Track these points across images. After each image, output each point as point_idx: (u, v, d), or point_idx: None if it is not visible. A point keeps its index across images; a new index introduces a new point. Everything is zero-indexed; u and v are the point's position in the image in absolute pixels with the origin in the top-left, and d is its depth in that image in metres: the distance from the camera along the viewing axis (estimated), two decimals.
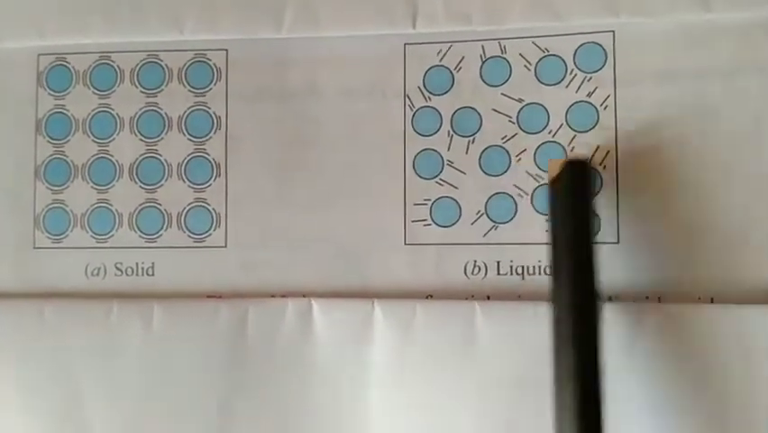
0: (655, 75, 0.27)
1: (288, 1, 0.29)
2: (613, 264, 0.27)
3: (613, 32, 0.28)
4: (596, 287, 0.24)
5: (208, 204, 0.30)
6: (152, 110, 0.30)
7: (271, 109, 0.30)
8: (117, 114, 0.30)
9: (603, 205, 0.27)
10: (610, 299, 0.27)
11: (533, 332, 0.27)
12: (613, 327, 0.26)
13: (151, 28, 0.30)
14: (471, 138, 0.29)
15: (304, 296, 0.28)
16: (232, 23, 0.30)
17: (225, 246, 0.30)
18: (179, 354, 0.29)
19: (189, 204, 0.30)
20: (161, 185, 0.30)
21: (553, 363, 0.24)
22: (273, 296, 0.29)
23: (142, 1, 0.30)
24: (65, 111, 0.30)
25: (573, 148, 0.28)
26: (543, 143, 0.28)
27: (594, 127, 0.28)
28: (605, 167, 0.28)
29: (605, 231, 0.27)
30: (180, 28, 0.30)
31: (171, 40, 0.30)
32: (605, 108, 0.28)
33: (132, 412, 0.29)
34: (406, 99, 0.29)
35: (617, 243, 0.27)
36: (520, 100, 0.28)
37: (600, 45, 0.28)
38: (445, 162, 0.29)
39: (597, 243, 0.26)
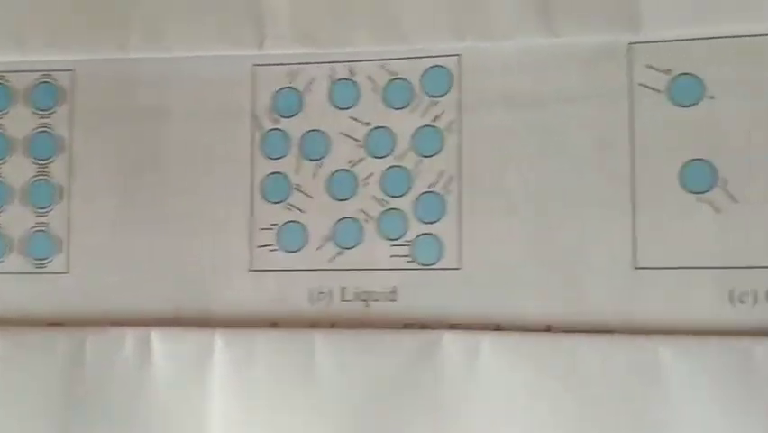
0: (500, 99, 0.27)
1: (134, 22, 0.29)
2: (454, 290, 0.27)
3: (459, 55, 0.28)
4: None
5: (51, 229, 0.29)
6: None
7: (118, 131, 0.29)
8: None
9: (446, 231, 0.27)
10: (450, 326, 0.27)
11: (375, 360, 0.26)
12: (453, 354, 0.26)
13: None
14: (320, 162, 0.28)
15: (146, 324, 0.28)
16: (77, 42, 0.29)
17: (68, 272, 0.29)
18: (17, 382, 0.28)
19: (32, 228, 0.29)
20: (3, 209, 0.29)
21: None
22: (114, 324, 0.28)
23: None
24: None
25: (419, 173, 0.27)
26: (389, 168, 0.28)
27: (439, 152, 0.27)
28: (449, 192, 0.27)
29: (447, 257, 0.27)
30: (23, 47, 0.29)
31: (13, 60, 0.29)
32: (450, 133, 0.27)
33: None
34: (255, 122, 0.29)
35: (459, 269, 0.27)
36: (368, 124, 0.28)
37: (447, 69, 0.28)
38: (293, 186, 0.28)
39: None
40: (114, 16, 0.29)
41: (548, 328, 0.26)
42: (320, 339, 0.27)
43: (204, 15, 0.29)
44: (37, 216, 0.29)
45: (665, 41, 0.26)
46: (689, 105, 0.26)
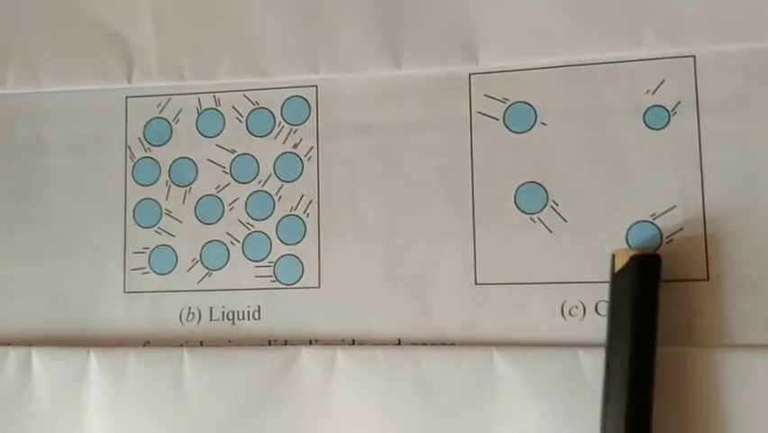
0: (353, 128, 0.28)
1: (11, 59, 0.30)
2: (314, 308, 0.28)
3: (316, 86, 0.29)
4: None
5: None
6: None
7: None
8: None
9: (306, 252, 0.29)
10: (310, 342, 0.28)
11: (240, 375, 0.28)
12: (311, 368, 0.27)
13: None
14: (188, 187, 0.29)
15: (26, 344, 0.29)
16: None
17: None
18: None
19: None
20: None
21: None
22: None
23: None
24: None
25: (281, 198, 0.29)
26: (253, 192, 0.29)
27: (299, 177, 0.29)
28: (308, 215, 0.29)
29: (307, 276, 0.28)
30: None
31: None
32: (309, 159, 0.29)
33: None
34: (128, 150, 0.30)
35: (318, 287, 0.28)
36: (233, 151, 0.29)
37: (305, 99, 0.29)
38: (164, 211, 0.29)
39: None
40: None
41: (399, 342, 0.28)
42: (188, 356, 0.28)
43: (76, 52, 0.30)
44: None
45: (501, 71, 0.28)
46: (523, 132, 0.27)
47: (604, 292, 0.26)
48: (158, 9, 0.29)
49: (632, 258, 0.25)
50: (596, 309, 0.26)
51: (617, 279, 0.25)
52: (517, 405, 0.26)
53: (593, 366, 0.26)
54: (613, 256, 0.25)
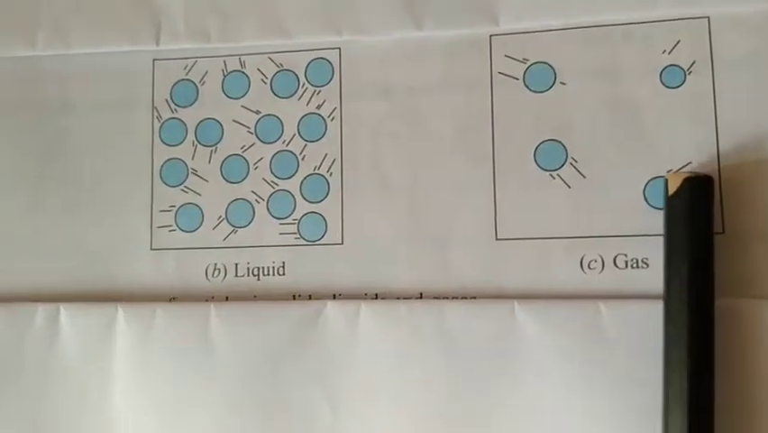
0: (375, 88, 0.29)
1: (41, 22, 0.30)
2: (337, 264, 0.28)
3: (339, 48, 0.29)
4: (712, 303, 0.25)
5: None
6: None
7: (26, 123, 0.30)
8: None
9: (330, 210, 0.29)
10: (334, 297, 0.28)
11: (265, 329, 0.28)
12: (335, 321, 0.28)
13: None
14: (214, 147, 0.30)
15: (55, 300, 0.29)
16: None
17: None
18: None
19: None
20: None
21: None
22: (26, 300, 0.29)
23: None
24: None
25: (305, 157, 0.29)
26: (277, 152, 0.29)
27: (323, 137, 0.29)
28: (331, 174, 0.29)
29: (330, 233, 0.29)
30: None
31: None
32: (332, 120, 0.29)
33: None
34: (155, 111, 0.30)
35: (342, 244, 0.29)
36: (258, 112, 0.30)
37: (328, 61, 0.29)
38: (190, 171, 0.30)
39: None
40: (23, 19, 0.30)
41: (420, 295, 0.28)
42: (214, 311, 0.28)
43: (104, 14, 0.30)
44: None
45: (521, 33, 0.28)
46: (542, 91, 0.28)
47: (622, 246, 0.27)
48: None
49: (685, 180, 0.25)
50: (614, 262, 0.27)
51: (670, 203, 0.25)
52: (538, 357, 0.26)
53: (613, 318, 0.26)
54: (666, 180, 0.25)
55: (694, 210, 0.25)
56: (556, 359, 0.26)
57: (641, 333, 0.25)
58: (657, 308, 0.25)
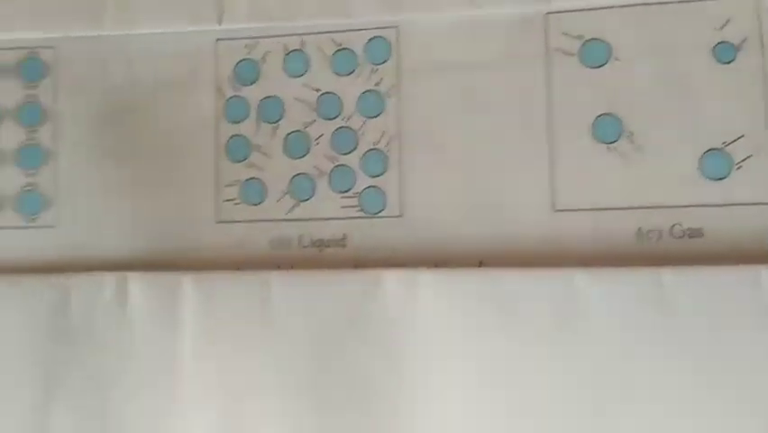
0: (433, 66, 0.29)
1: (107, 2, 0.31)
2: (397, 235, 0.29)
3: (397, 27, 0.30)
4: None
5: (39, 187, 0.31)
6: None
7: (96, 101, 0.31)
8: None
9: (389, 183, 0.29)
10: (394, 266, 0.29)
11: (326, 298, 0.29)
12: (395, 290, 0.28)
13: None
14: (276, 124, 0.30)
15: (124, 270, 0.30)
16: (58, 22, 0.31)
17: (55, 226, 0.31)
18: (9, 323, 0.30)
19: (22, 188, 0.31)
20: None
21: None
22: (96, 270, 0.30)
23: None
24: None
25: (364, 133, 0.30)
26: (337, 129, 0.30)
27: (381, 114, 0.30)
28: (390, 149, 0.29)
29: (390, 206, 0.29)
30: (9, 26, 0.31)
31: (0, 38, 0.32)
32: (390, 97, 0.30)
33: None
34: (218, 90, 0.31)
35: (401, 216, 0.29)
36: (318, 90, 0.30)
37: (386, 39, 0.30)
38: (253, 147, 0.30)
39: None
40: (85, 8, 0.31)
41: (480, 264, 0.29)
42: (276, 280, 0.29)
43: None
44: (27, 176, 0.31)
45: (577, 11, 0.28)
46: (598, 67, 0.28)
47: (678, 215, 0.27)
48: None
49: None
50: (671, 232, 0.27)
51: None
52: (598, 324, 0.27)
53: (673, 285, 0.26)
54: None
55: None
56: (616, 327, 0.27)
57: (700, 300, 0.26)
58: (716, 276, 0.26)
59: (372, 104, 0.30)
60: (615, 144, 0.28)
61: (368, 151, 0.30)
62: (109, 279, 0.30)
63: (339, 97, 0.30)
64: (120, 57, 0.31)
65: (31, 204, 0.31)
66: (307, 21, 0.30)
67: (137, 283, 0.30)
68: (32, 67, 0.31)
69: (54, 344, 0.30)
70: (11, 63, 0.31)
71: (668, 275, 0.26)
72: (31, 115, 0.31)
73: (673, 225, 0.27)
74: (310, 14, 0.30)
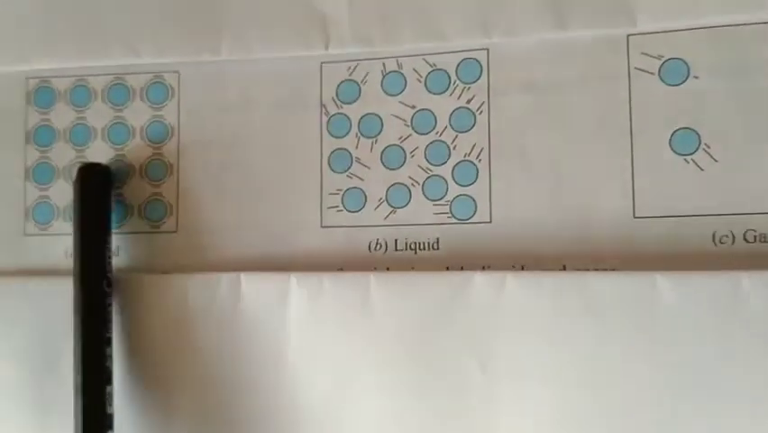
0: (521, 85, 0.32)
1: (224, 31, 0.34)
2: (486, 240, 0.31)
3: (487, 49, 0.32)
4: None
5: (163, 197, 0.35)
6: (120, 122, 0.36)
7: (214, 120, 0.34)
8: (92, 126, 0.36)
9: (479, 192, 0.32)
10: (483, 268, 0.31)
11: (421, 296, 0.31)
12: (484, 290, 0.30)
13: (114, 53, 0.35)
14: (375, 139, 0.33)
15: (237, 270, 0.33)
16: (180, 49, 0.35)
17: (176, 231, 0.34)
18: (136, 318, 0.33)
19: (148, 197, 0.35)
20: (127, 183, 0.35)
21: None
22: (212, 270, 0.33)
23: (107, 31, 0.35)
24: (49, 123, 0.36)
25: (456, 146, 0.32)
26: (431, 142, 0.32)
27: (472, 128, 0.32)
28: (480, 161, 0.32)
29: (480, 213, 0.32)
30: (138, 53, 0.35)
31: (130, 63, 0.35)
32: (480, 113, 0.32)
33: None
34: (322, 108, 0.34)
35: (490, 222, 0.32)
36: (413, 107, 0.33)
37: (477, 60, 0.32)
38: (354, 159, 0.33)
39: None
40: (208, 28, 0.35)
41: (564, 268, 0.31)
42: (374, 280, 0.31)
43: (280, 24, 0.34)
44: (153, 187, 0.35)
45: (657, 33, 0.30)
46: (677, 85, 0.30)
47: (751, 222, 0.29)
48: None
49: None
50: (744, 237, 0.29)
51: None
52: (679, 327, 0.28)
53: (754, 288, 0.28)
54: None
55: None
56: (697, 329, 0.28)
57: None
58: None
59: (464, 119, 0.32)
60: (692, 156, 0.30)
61: (459, 162, 0.32)
62: (225, 278, 0.33)
63: (433, 114, 0.33)
64: (235, 81, 0.34)
65: (155, 212, 0.35)
66: (405, 45, 0.33)
67: (249, 281, 0.33)
68: (157, 90, 0.35)
69: (177, 336, 0.33)
70: (139, 87, 0.35)
71: (744, 278, 0.28)
72: (157, 132, 0.35)
73: (746, 231, 0.29)
74: (407, 39, 0.33)
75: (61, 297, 0.33)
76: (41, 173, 0.36)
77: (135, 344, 0.34)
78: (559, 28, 0.31)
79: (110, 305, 0.33)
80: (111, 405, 0.32)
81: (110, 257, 0.34)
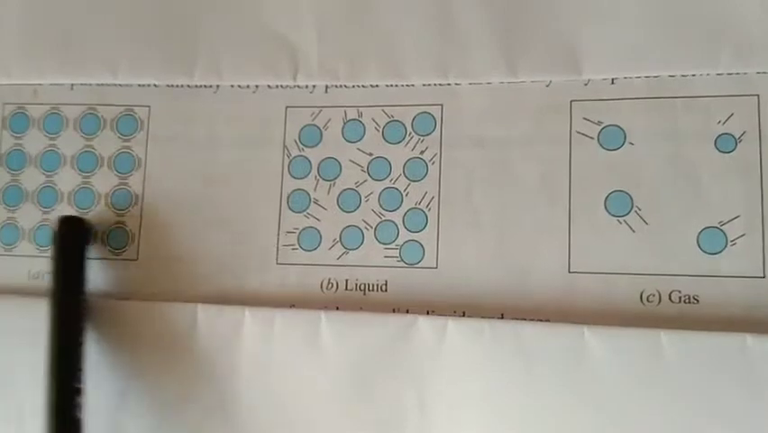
0: (471, 140, 0.33)
1: (198, 56, 0.36)
2: (432, 284, 0.33)
3: (442, 105, 0.34)
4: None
5: (126, 226, 0.36)
6: (89, 151, 0.37)
7: (181, 153, 0.36)
8: (62, 152, 0.37)
9: (427, 239, 0.33)
10: (428, 312, 0.33)
11: (368, 334, 0.32)
12: (427, 333, 0.32)
13: (92, 71, 0.37)
14: (333, 182, 0.35)
15: (193, 301, 0.34)
16: (155, 70, 0.36)
17: (137, 259, 0.36)
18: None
19: (112, 225, 0.36)
20: (92, 209, 0.36)
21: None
22: (169, 300, 0.34)
23: (86, 49, 0.37)
24: (22, 148, 0.37)
25: (408, 193, 0.34)
26: (385, 188, 0.34)
27: (424, 178, 0.34)
28: (430, 209, 0.34)
29: (427, 258, 0.33)
30: (115, 73, 0.36)
31: (106, 82, 0.36)
32: (433, 164, 0.34)
33: None
34: (285, 149, 0.35)
35: (436, 267, 0.33)
36: (370, 154, 0.35)
37: (432, 115, 0.34)
38: (312, 200, 0.35)
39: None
40: (184, 51, 0.36)
41: (502, 316, 0.32)
42: (325, 317, 0.33)
43: (251, 52, 0.35)
44: (117, 215, 0.36)
45: (598, 100, 0.33)
46: (614, 149, 0.32)
47: (677, 283, 0.31)
48: (320, 16, 0.35)
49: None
50: (669, 297, 0.31)
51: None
52: (605, 378, 0.30)
53: (669, 345, 0.29)
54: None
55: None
56: (621, 381, 0.30)
57: (694, 360, 0.29)
58: (708, 339, 0.29)
59: (417, 169, 0.34)
60: (624, 218, 0.32)
61: (410, 209, 0.34)
62: (181, 308, 0.34)
63: (388, 162, 0.34)
64: (204, 117, 0.36)
65: (118, 239, 0.36)
66: (370, 81, 0.35)
67: (205, 313, 0.34)
68: (127, 122, 0.36)
69: (131, 360, 0.34)
70: (110, 118, 0.36)
71: (666, 336, 0.30)
72: (124, 163, 0.36)
73: (671, 292, 0.31)
74: (371, 76, 0.34)
75: (22, 317, 0.34)
76: (10, 196, 0.37)
77: (88, 365, 0.35)
78: (511, 75, 0.33)
79: (81, 368, 0.34)
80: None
81: (85, 306, 0.34)
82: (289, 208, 0.35)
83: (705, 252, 0.31)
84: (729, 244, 0.31)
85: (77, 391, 0.33)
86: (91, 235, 0.36)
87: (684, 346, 0.30)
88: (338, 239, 0.34)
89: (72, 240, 0.35)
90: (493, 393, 0.31)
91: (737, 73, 0.31)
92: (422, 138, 0.34)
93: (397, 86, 0.35)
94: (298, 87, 0.35)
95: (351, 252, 0.34)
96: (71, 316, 0.34)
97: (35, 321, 0.34)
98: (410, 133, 0.34)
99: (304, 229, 0.35)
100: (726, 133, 0.31)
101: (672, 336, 0.30)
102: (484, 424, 0.31)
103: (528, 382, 0.31)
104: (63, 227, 0.35)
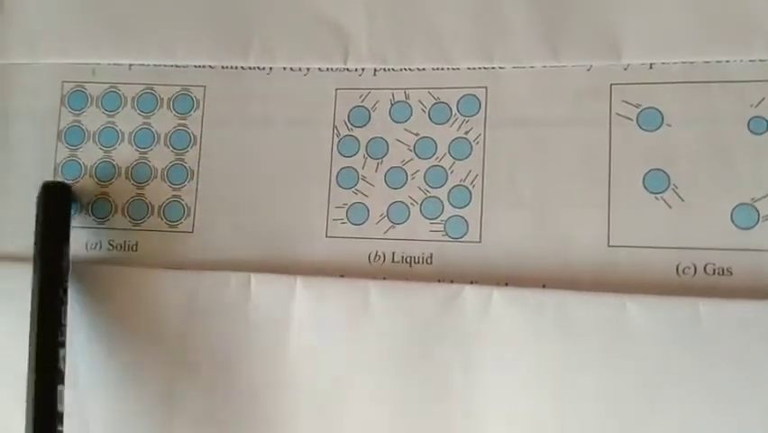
0: (514, 120, 0.35)
1: (253, 39, 0.37)
2: (475, 257, 0.34)
3: (486, 87, 0.36)
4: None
5: (182, 199, 0.38)
6: (146, 128, 0.38)
7: (235, 131, 0.37)
8: (120, 129, 0.39)
9: (471, 214, 0.35)
10: (471, 282, 0.34)
11: (414, 305, 0.34)
12: (471, 302, 0.33)
13: (150, 53, 0.38)
14: (380, 160, 0.36)
15: (247, 270, 0.36)
16: (211, 52, 0.38)
17: (192, 232, 0.37)
18: (145, 313, 0.36)
19: (168, 199, 0.38)
20: (149, 184, 0.38)
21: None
22: (224, 269, 0.36)
23: (144, 31, 0.38)
24: (80, 125, 0.39)
25: (453, 171, 0.36)
26: (431, 167, 0.36)
27: (468, 157, 0.36)
28: (474, 186, 0.35)
29: (471, 233, 0.35)
30: (173, 55, 0.38)
31: (164, 63, 0.38)
32: (477, 144, 0.36)
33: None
34: (335, 129, 0.37)
35: (479, 242, 0.35)
36: (417, 134, 0.36)
37: (477, 97, 0.36)
38: (360, 177, 0.36)
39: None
40: (238, 35, 0.38)
41: (544, 286, 0.34)
42: (374, 287, 0.34)
43: (304, 37, 0.37)
44: (173, 190, 0.38)
45: (637, 83, 0.34)
46: (652, 130, 0.34)
47: (711, 256, 0.32)
48: (369, 2, 0.37)
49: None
50: (704, 270, 0.32)
51: None
52: (646, 345, 0.32)
53: (706, 314, 0.31)
54: None
55: None
56: (661, 349, 0.32)
57: (729, 327, 0.31)
58: (746, 307, 0.31)
59: (461, 148, 0.36)
60: (662, 194, 0.33)
61: (455, 186, 0.35)
62: (235, 277, 0.36)
63: (434, 141, 0.36)
64: (257, 97, 0.37)
65: (174, 212, 0.37)
66: (416, 64, 0.36)
67: (258, 281, 0.35)
68: (184, 101, 0.38)
69: (185, 331, 0.36)
70: (167, 97, 0.38)
71: (703, 305, 0.32)
72: (180, 140, 0.38)
73: (706, 264, 0.32)
74: (417, 59, 0.36)
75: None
76: (68, 170, 0.39)
77: (145, 333, 0.36)
78: (553, 59, 0.35)
79: (65, 312, 0.35)
80: (62, 403, 0.34)
81: (67, 267, 0.36)
82: (338, 185, 0.36)
83: (738, 227, 0.32)
84: (761, 219, 0.32)
85: (61, 344, 0.34)
86: (75, 202, 0.38)
87: (721, 314, 0.31)
88: (385, 214, 0.36)
89: (55, 206, 0.37)
90: (536, 360, 0.33)
91: None
92: (467, 119, 0.36)
93: (443, 69, 0.36)
94: (348, 70, 0.37)
95: (397, 226, 0.36)
96: (53, 277, 0.35)
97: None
98: (455, 115, 0.36)
99: (352, 204, 0.36)
100: (758, 116, 0.33)
101: (709, 304, 0.31)
102: (526, 389, 0.33)
103: (570, 350, 0.32)
104: (46, 194, 0.36)
